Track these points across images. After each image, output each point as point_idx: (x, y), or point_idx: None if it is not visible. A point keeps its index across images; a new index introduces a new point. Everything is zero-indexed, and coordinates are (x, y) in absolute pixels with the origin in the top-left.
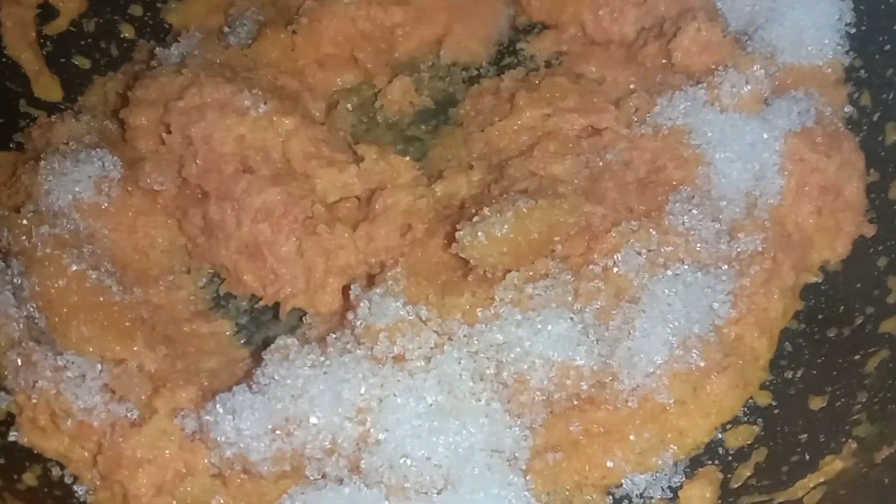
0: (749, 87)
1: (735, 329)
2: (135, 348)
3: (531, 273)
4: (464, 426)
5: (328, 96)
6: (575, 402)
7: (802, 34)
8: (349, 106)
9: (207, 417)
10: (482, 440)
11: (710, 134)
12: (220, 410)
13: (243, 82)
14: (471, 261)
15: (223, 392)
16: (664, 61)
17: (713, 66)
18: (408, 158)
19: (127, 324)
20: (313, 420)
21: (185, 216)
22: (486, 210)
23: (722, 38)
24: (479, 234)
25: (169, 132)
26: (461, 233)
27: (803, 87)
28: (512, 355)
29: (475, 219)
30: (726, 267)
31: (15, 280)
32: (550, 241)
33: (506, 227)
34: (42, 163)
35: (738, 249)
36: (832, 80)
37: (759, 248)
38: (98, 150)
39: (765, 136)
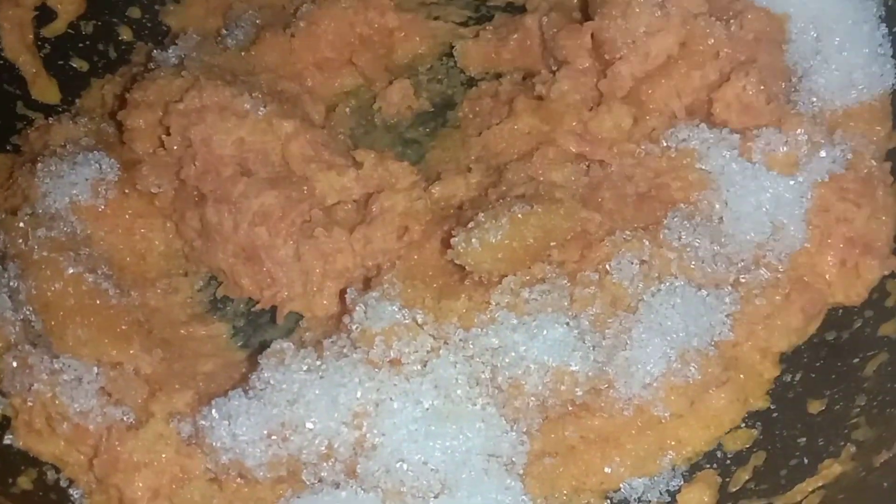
0: (786, 150)
1: (734, 351)
2: (131, 351)
3: (527, 277)
4: (460, 430)
5: (328, 99)
6: (570, 409)
7: (852, 75)
8: (347, 109)
9: (203, 422)
10: (479, 444)
11: (725, 170)
12: (216, 415)
13: (243, 85)
14: (466, 266)
15: (219, 396)
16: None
17: (752, 128)
18: (406, 163)
19: (123, 327)
20: (309, 425)
21: (183, 219)
22: (480, 216)
23: (766, 104)
24: (474, 240)
25: (168, 134)
26: (456, 239)
27: (843, 128)
28: (507, 360)
29: (470, 224)
30: (729, 289)
31: (11, 283)
32: (546, 246)
33: (500, 232)
34: (39, 165)
35: (743, 278)
36: (879, 113)
37: (768, 278)
38: (95, 152)
39: (788, 196)
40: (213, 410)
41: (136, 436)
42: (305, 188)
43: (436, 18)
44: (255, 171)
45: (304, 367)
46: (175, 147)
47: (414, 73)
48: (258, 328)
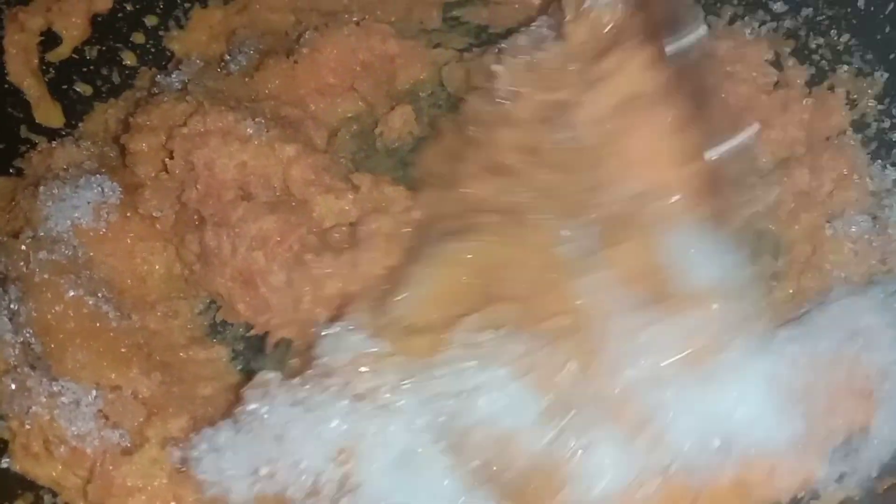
0: None
1: None
2: (130, 375)
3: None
4: (434, 474)
5: (330, 124)
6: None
7: None
8: (349, 134)
9: (192, 453)
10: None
11: None
12: (205, 447)
13: (246, 110)
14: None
15: (212, 425)
16: None
17: None
18: (401, 187)
19: (123, 350)
20: (295, 460)
21: (183, 243)
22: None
23: None
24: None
25: (171, 158)
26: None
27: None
28: (457, 406)
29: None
30: None
31: (12, 305)
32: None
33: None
34: (41, 188)
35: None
36: None
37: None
38: (97, 175)
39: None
40: (203, 442)
41: (130, 460)
42: (305, 213)
43: (437, 46)
44: (256, 195)
45: (290, 401)
46: (178, 171)
47: (415, 99)
48: (257, 352)
